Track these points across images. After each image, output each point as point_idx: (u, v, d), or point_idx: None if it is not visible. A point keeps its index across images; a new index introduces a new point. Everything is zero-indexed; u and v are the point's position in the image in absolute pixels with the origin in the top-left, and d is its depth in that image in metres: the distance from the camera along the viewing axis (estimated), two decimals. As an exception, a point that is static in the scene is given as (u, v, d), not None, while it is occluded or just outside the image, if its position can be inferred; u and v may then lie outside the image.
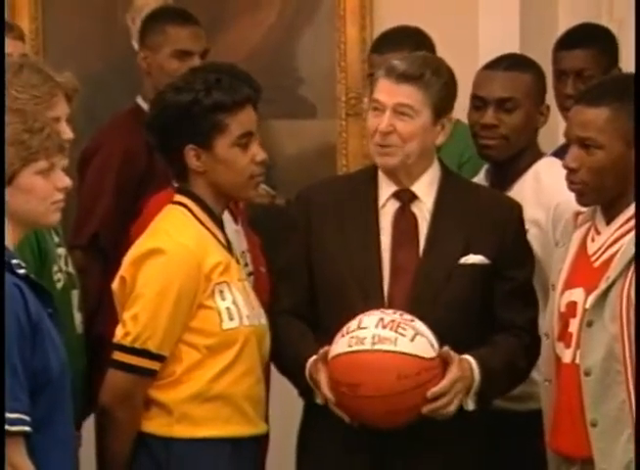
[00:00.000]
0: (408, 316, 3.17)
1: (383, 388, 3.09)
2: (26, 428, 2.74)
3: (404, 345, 3.12)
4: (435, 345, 3.15)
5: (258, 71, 3.44)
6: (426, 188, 3.38)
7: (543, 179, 3.70)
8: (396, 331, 3.13)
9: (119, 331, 3.19)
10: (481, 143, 3.77)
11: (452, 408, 3.18)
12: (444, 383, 3.15)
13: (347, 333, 3.15)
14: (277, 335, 3.35)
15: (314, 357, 3.23)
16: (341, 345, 3.15)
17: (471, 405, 3.24)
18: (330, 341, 3.19)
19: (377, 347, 3.11)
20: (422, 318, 3.19)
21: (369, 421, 3.17)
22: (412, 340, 3.13)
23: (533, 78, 3.82)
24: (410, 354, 3.12)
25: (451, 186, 3.41)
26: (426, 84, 3.31)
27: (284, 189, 4.23)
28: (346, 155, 4.65)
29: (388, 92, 3.32)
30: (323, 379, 3.19)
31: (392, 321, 3.15)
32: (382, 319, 3.15)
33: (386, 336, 3.12)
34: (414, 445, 3.28)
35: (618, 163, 3.17)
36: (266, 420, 3.39)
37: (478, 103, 3.76)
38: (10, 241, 2.88)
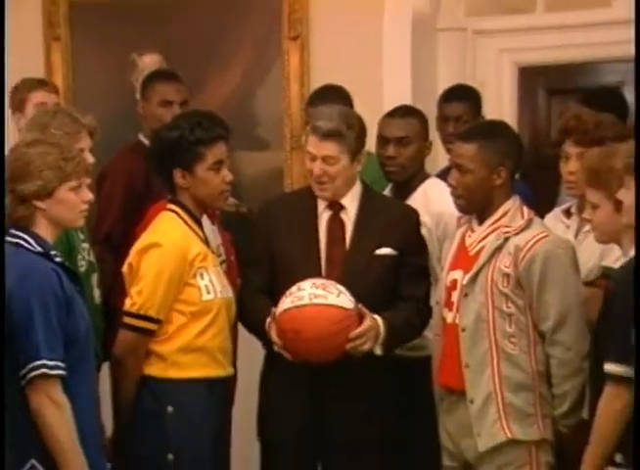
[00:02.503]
0: (332, 282, 3.16)
1: (319, 331, 3.08)
2: (62, 372, 2.72)
3: (333, 299, 3.11)
4: (353, 300, 3.15)
5: (227, 117, 3.40)
6: (350, 201, 3.36)
7: (429, 194, 3.70)
8: (326, 290, 3.12)
9: (128, 302, 3.17)
10: (386, 170, 3.76)
11: (366, 347, 3.16)
12: (362, 327, 3.14)
13: (290, 295, 3.13)
14: (247, 306, 3.33)
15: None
16: (285, 303, 3.13)
17: (378, 351, 3.22)
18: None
19: (313, 301, 3.09)
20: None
21: (308, 358, 3.14)
22: (337, 296, 3.12)
23: (421, 122, 3.81)
24: (337, 306, 3.11)
25: (368, 198, 3.39)
26: (342, 139, 3.27)
27: (246, 201, 4.21)
28: (291, 177, 4.62)
29: (317, 147, 3.29)
30: (273, 329, 3.17)
31: (322, 283, 3.14)
32: (314, 283, 3.14)
33: (319, 293, 3.11)
34: (342, 382, 3.26)
35: (482, 184, 3.19)
36: (234, 365, 3.37)
37: (382, 141, 3.75)
38: (49, 238, 2.86)
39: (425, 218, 3.56)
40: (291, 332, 3.11)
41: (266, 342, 3.28)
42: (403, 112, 3.81)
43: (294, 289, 3.13)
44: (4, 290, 2.59)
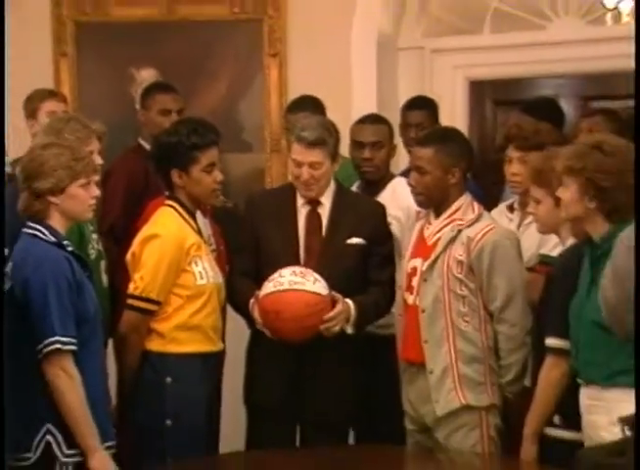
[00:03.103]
0: (309, 270, 3.15)
1: (296, 313, 3.07)
2: (74, 347, 2.72)
3: (309, 286, 3.10)
4: (327, 287, 3.14)
5: (215, 124, 3.37)
6: (326, 197, 3.35)
7: (398, 191, 3.69)
8: (304, 277, 3.11)
9: (132, 286, 3.15)
10: (363, 170, 3.74)
11: (337, 329, 3.16)
12: (334, 311, 3.14)
13: (272, 280, 3.12)
14: (234, 289, 3.32)
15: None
16: (267, 287, 3.13)
17: (350, 330, 3.22)
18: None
19: (292, 287, 3.09)
20: (325, 279, 3.16)
21: (286, 336, 3.13)
22: (314, 283, 3.12)
23: (389, 129, 3.81)
24: (313, 292, 3.10)
25: (341, 195, 3.39)
26: (326, 146, 3.27)
27: (232, 197, 4.17)
28: (271, 175, 4.59)
29: (303, 154, 3.26)
30: (255, 310, 3.17)
31: (301, 272, 3.14)
32: (294, 271, 3.14)
33: (297, 280, 3.10)
34: (318, 361, 3.26)
35: (439, 183, 3.19)
36: (223, 341, 3.35)
37: (358, 145, 3.73)
38: (62, 229, 2.85)
39: (397, 212, 3.56)
40: (272, 313, 3.11)
41: (251, 321, 3.27)
42: (374, 119, 3.80)
43: (275, 275, 3.13)
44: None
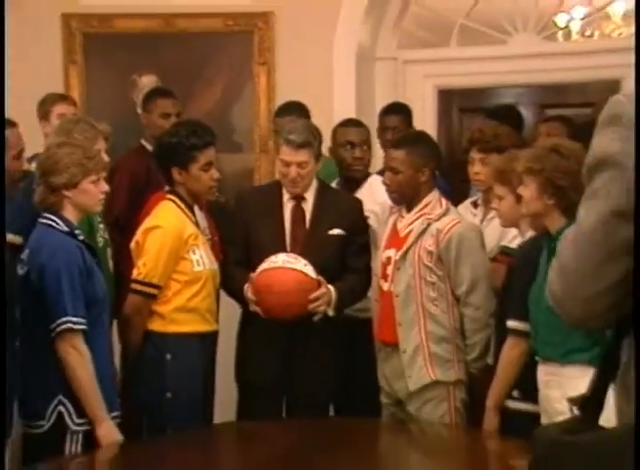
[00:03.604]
0: (300, 257, 3.16)
1: (286, 287, 3.07)
2: (84, 327, 2.72)
3: (301, 266, 3.11)
4: (314, 271, 3.14)
5: (210, 126, 3.37)
6: (310, 193, 3.35)
7: (374, 187, 3.69)
8: (296, 259, 3.12)
9: (135, 272, 3.14)
10: (353, 168, 3.75)
11: (321, 309, 3.17)
12: (319, 291, 3.14)
13: (267, 261, 3.12)
14: (229, 276, 3.31)
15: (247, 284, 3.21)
16: (262, 266, 3.12)
17: (331, 312, 3.22)
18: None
19: (286, 265, 3.10)
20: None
21: (275, 311, 3.12)
22: (305, 266, 3.12)
23: (369, 131, 3.82)
24: (303, 272, 3.11)
25: (323, 191, 3.38)
26: (311, 147, 3.27)
27: (224, 193, 4.11)
28: (259, 173, 4.59)
29: (291, 155, 3.25)
30: (249, 291, 3.17)
31: (294, 256, 3.15)
32: (288, 255, 3.15)
33: (290, 260, 3.11)
34: (306, 342, 3.27)
35: (410, 181, 3.20)
36: (217, 322, 3.35)
37: (348, 146, 3.74)
38: (74, 220, 2.85)
39: (374, 207, 3.56)
40: (264, 287, 3.10)
41: (243, 303, 3.27)
42: (357, 122, 3.81)
43: (271, 257, 3.13)
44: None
